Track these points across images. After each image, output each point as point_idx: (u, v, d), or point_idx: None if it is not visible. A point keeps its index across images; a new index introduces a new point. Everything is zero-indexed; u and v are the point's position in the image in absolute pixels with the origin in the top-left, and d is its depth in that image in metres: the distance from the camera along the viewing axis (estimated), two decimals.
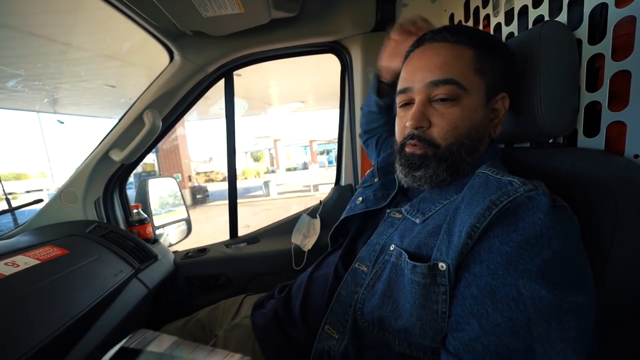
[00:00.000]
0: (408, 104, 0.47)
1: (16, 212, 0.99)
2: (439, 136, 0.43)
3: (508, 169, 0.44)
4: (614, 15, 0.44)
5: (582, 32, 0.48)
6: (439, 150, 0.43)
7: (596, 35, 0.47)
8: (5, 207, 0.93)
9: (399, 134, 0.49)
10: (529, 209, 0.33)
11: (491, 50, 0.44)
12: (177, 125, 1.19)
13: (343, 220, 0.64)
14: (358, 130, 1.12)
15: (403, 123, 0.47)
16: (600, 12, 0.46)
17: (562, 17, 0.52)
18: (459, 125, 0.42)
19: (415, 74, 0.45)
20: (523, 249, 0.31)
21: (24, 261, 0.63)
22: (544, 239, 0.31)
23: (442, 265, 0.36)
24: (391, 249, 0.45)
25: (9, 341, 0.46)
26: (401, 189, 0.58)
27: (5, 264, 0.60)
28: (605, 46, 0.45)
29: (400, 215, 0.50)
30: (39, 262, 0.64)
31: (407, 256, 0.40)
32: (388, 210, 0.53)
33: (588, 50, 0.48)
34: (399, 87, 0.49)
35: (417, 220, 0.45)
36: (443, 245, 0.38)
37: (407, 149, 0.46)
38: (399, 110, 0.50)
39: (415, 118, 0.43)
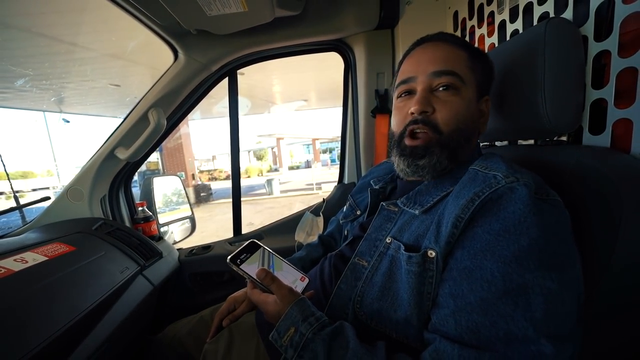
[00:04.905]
0: (408, 93, 0.49)
1: (24, 209, 1.00)
2: (442, 122, 0.45)
3: (511, 165, 0.44)
4: (621, 11, 0.43)
5: (588, 28, 0.48)
6: (442, 137, 0.45)
7: (602, 32, 0.47)
8: (14, 204, 0.95)
9: (399, 124, 0.50)
10: (510, 199, 0.35)
11: (478, 56, 0.48)
12: (180, 124, 1.20)
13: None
14: (361, 128, 1.12)
15: (405, 111, 0.48)
16: (607, 8, 0.46)
17: (568, 14, 0.51)
18: (460, 112, 0.45)
19: (419, 65, 0.48)
20: (501, 237, 0.34)
21: (33, 257, 0.64)
22: (522, 228, 0.33)
23: (431, 253, 0.39)
24: (388, 241, 0.46)
25: (19, 335, 0.47)
26: (379, 192, 0.60)
27: (15, 260, 0.61)
28: (611, 43, 0.45)
29: (397, 209, 0.51)
30: (47, 258, 0.65)
31: (404, 248, 0.42)
32: (383, 204, 0.53)
33: (594, 47, 0.47)
34: (400, 78, 0.50)
35: (416, 212, 0.46)
36: (432, 234, 0.40)
37: (407, 142, 0.48)
38: (397, 102, 0.51)
39: (420, 102, 0.45)
